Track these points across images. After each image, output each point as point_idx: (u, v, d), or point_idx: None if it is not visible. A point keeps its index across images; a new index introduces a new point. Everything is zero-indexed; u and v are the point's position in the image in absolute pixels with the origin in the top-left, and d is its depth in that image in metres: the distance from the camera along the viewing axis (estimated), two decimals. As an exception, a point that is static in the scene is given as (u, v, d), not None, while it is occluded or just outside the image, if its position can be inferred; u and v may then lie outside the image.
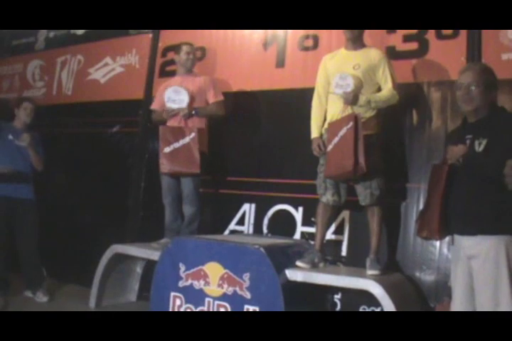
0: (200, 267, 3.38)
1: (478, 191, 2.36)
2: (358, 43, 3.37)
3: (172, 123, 3.96)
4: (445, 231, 2.52)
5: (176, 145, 3.80)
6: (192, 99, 3.92)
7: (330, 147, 3.22)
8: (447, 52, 3.52)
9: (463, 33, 3.46)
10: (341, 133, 3.13)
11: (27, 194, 4.33)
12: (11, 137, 4.30)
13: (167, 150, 3.81)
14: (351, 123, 3.09)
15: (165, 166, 3.82)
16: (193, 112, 3.90)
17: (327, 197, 3.33)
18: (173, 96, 3.89)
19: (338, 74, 3.23)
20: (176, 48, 4.15)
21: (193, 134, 3.79)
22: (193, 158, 3.77)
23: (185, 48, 4.06)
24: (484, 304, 2.32)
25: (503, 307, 2.26)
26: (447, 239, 3.10)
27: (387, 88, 3.25)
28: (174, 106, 3.90)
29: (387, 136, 3.41)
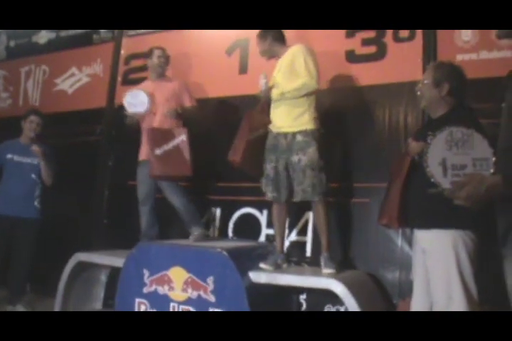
0: (164, 272, 3.36)
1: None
2: (279, 51, 3.45)
3: (147, 125, 3.85)
4: (404, 220, 2.55)
5: (166, 147, 3.67)
6: (165, 102, 3.85)
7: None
8: (404, 54, 3.57)
9: (419, 35, 3.52)
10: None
11: (31, 213, 4.27)
12: (9, 156, 4.26)
13: (158, 152, 3.66)
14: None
15: (156, 169, 3.65)
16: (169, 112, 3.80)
17: (267, 194, 3.37)
18: (132, 100, 3.84)
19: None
20: (147, 53, 4.08)
21: (183, 135, 3.68)
22: (184, 160, 3.64)
23: (156, 52, 4.01)
24: (438, 297, 2.35)
25: (456, 300, 2.27)
26: (408, 235, 3.19)
27: (301, 76, 3.27)
28: (135, 110, 3.84)
29: (348, 136, 3.47)
